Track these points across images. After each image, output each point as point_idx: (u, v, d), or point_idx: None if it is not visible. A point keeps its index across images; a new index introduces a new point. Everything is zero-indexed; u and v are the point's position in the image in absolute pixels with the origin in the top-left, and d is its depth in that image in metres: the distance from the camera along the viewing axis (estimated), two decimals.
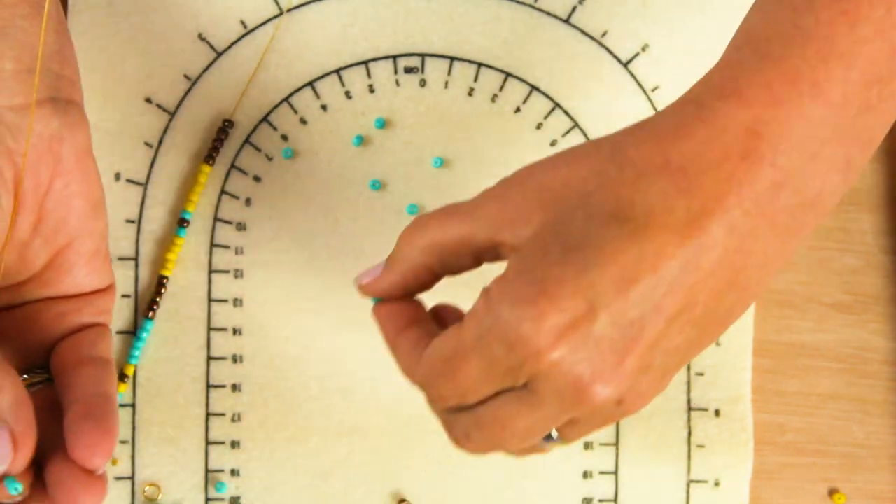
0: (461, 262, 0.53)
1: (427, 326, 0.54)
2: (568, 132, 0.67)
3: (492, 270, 0.52)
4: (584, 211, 0.48)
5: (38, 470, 0.51)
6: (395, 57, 0.66)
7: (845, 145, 0.49)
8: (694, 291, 0.48)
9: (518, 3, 0.66)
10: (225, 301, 0.66)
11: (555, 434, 0.52)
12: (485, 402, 0.51)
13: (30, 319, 0.55)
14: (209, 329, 0.66)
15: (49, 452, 0.51)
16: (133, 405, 0.66)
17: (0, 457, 0.48)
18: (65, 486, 0.50)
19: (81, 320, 0.56)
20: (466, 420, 0.52)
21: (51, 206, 0.54)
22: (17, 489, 0.49)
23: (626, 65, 0.67)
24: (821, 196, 0.49)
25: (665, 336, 0.48)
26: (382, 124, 0.66)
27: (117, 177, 0.65)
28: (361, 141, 0.66)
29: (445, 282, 0.54)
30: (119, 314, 0.66)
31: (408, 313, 0.54)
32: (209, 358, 0.66)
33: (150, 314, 0.65)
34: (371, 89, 0.67)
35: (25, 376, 0.54)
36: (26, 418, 0.49)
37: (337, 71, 0.66)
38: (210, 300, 0.66)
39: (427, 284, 0.54)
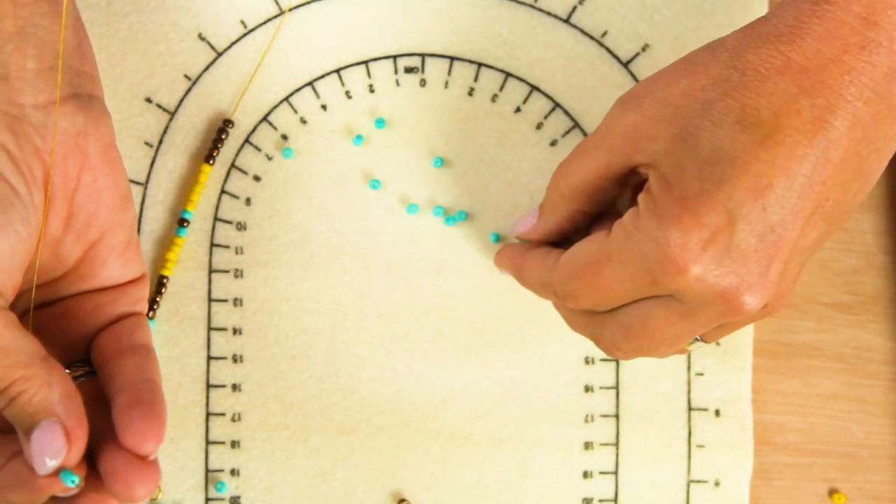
0: (608, 194, 0.56)
1: (553, 248, 0.59)
2: (568, 132, 0.67)
3: None
4: (709, 120, 0.50)
5: (90, 461, 0.51)
6: (395, 57, 0.66)
7: None
8: (826, 188, 0.49)
9: (518, 3, 0.66)
10: (225, 301, 0.66)
11: (697, 343, 0.56)
12: (625, 308, 0.55)
13: (67, 314, 0.55)
14: (209, 329, 0.66)
15: (99, 443, 0.51)
16: None
17: (55, 451, 0.49)
18: (119, 475, 0.50)
19: (118, 311, 0.56)
20: (614, 330, 0.55)
21: (81, 201, 0.54)
22: (74, 481, 0.49)
23: (626, 65, 0.67)
24: None
25: (803, 236, 0.50)
26: (382, 124, 0.66)
27: None
28: (361, 141, 0.66)
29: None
30: None
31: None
32: (209, 358, 0.66)
33: (150, 314, 0.65)
34: (371, 89, 0.66)
35: (68, 371, 0.54)
36: (77, 411, 0.50)
37: (337, 71, 0.66)
38: (210, 300, 0.66)
39: (584, 225, 0.58)
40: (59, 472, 0.49)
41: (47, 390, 0.49)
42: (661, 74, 0.53)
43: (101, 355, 0.54)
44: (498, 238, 0.66)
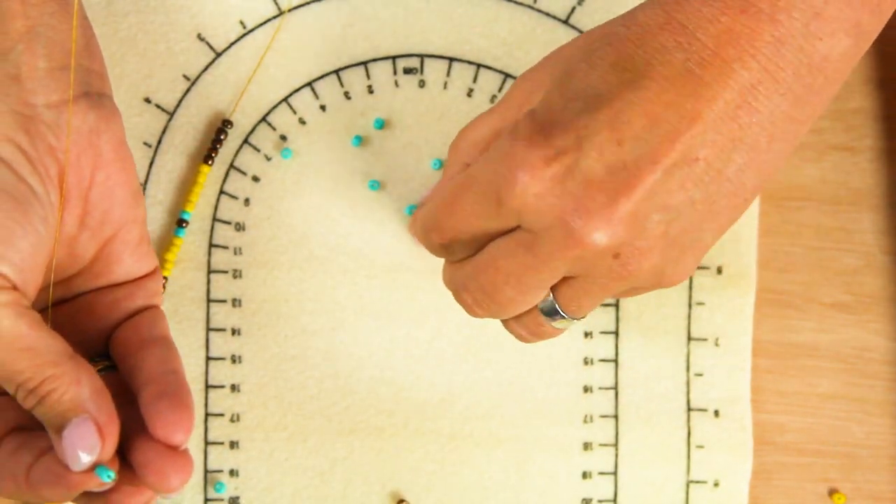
0: None
1: None
2: None
3: None
4: (586, 63, 0.50)
5: (120, 455, 0.52)
6: (394, 57, 0.66)
7: (853, 7, 0.49)
8: (693, 144, 0.48)
9: (517, 3, 0.66)
10: (224, 301, 0.66)
11: (559, 308, 0.54)
12: (481, 250, 0.53)
13: (85, 311, 0.55)
14: (208, 329, 0.66)
15: (128, 437, 0.52)
16: None
17: (89, 447, 0.49)
18: (153, 466, 0.51)
19: (135, 305, 0.56)
20: (465, 269, 0.54)
21: (95, 198, 0.54)
22: (111, 476, 0.50)
23: None
24: (828, 60, 0.49)
25: (664, 187, 0.49)
26: (381, 125, 0.66)
27: None
28: (360, 141, 0.66)
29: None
30: None
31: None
32: (208, 358, 0.66)
33: None
34: (370, 90, 0.66)
35: None
36: (108, 407, 0.50)
37: (336, 71, 0.66)
38: (209, 300, 0.66)
39: None
40: (93, 468, 0.50)
41: (77, 387, 0.50)
42: (568, 43, 0.54)
43: (122, 349, 0.55)
44: None
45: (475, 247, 0.53)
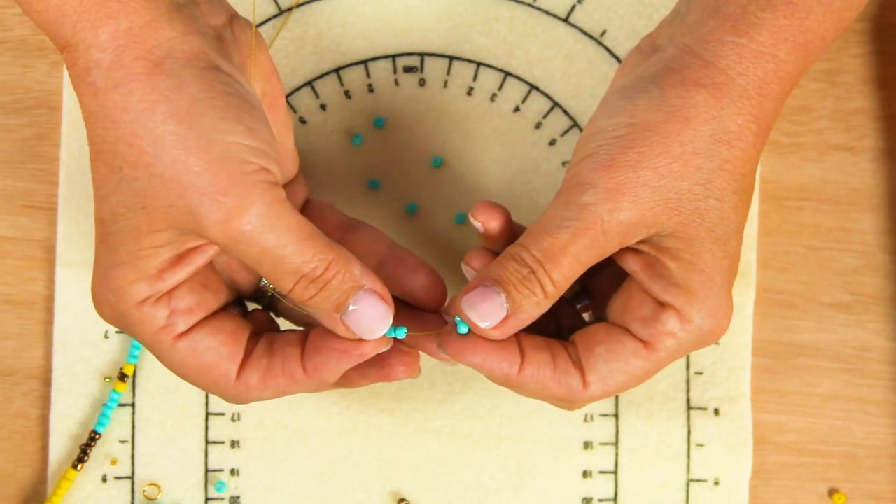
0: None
1: (536, 341, 0.56)
2: (567, 131, 0.67)
3: None
4: (714, 199, 0.52)
5: None
6: (394, 56, 0.67)
7: (804, 35, 0.53)
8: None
9: (517, 2, 0.67)
10: None
11: None
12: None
13: None
14: None
15: None
16: (133, 405, 0.66)
17: (383, 313, 0.53)
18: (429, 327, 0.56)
19: (299, 201, 0.60)
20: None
21: (266, 108, 0.55)
22: (404, 330, 0.54)
23: None
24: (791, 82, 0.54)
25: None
26: (382, 124, 0.66)
27: None
28: (361, 140, 0.66)
29: None
30: None
31: (512, 347, 0.56)
32: None
33: None
34: (370, 89, 0.67)
35: None
36: (376, 278, 0.53)
37: (336, 70, 0.66)
38: None
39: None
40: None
41: (351, 264, 0.52)
42: (644, 162, 0.52)
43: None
44: None
45: None
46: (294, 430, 0.66)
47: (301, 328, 0.56)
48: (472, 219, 0.56)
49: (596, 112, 0.54)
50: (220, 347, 0.54)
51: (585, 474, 0.67)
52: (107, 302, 0.53)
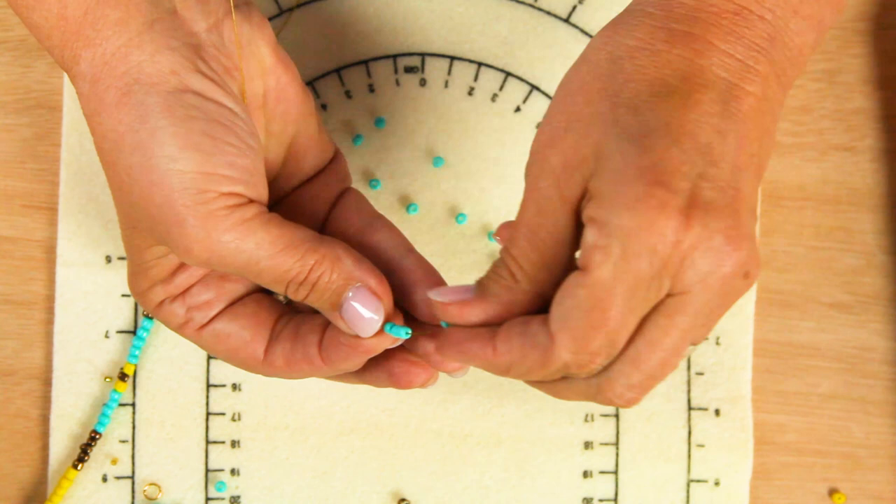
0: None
1: (515, 320, 0.52)
2: None
3: None
4: (624, 108, 0.49)
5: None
6: (395, 56, 0.67)
7: (819, 5, 0.52)
8: (750, 144, 0.49)
9: (518, 2, 0.67)
10: None
11: (689, 348, 0.51)
12: (632, 341, 0.50)
13: (291, 214, 0.56)
14: None
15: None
16: (133, 405, 0.66)
17: (374, 309, 0.53)
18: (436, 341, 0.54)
19: (332, 193, 0.58)
20: (623, 370, 0.51)
21: (271, 104, 0.56)
22: (408, 331, 0.54)
23: None
24: (802, 52, 0.52)
25: (752, 192, 0.49)
26: (382, 124, 0.66)
27: None
28: (362, 140, 0.66)
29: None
30: (119, 314, 0.66)
31: (482, 332, 0.53)
32: (209, 357, 0.66)
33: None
34: (371, 89, 0.67)
35: None
36: (372, 270, 0.54)
37: (337, 70, 0.66)
38: None
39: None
40: (382, 328, 0.53)
41: (340, 263, 0.53)
42: (553, 115, 0.51)
43: (342, 240, 0.56)
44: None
45: (620, 346, 0.50)
46: (294, 430, 0.66)
47: None
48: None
49: None
50: (242, 331, 0.56)
51: (586, 474, 0.67)
52: (141, 302, 0.57)
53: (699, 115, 0.49)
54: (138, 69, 0.51)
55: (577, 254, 0.50)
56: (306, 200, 0.58)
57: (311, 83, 0.66)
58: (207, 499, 0.66)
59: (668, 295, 0.49)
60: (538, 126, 0.66)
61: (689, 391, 0.67)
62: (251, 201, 0.52)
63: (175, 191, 0.51)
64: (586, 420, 0.67)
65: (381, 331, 0.53)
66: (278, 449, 0.66)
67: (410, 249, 0.57)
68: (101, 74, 0.52)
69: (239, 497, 0.66)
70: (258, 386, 0.66)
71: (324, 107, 0.66)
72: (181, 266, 0.55)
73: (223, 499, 0.66)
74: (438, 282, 0.55)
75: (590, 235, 0.48)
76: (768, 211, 0.68)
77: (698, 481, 0.67)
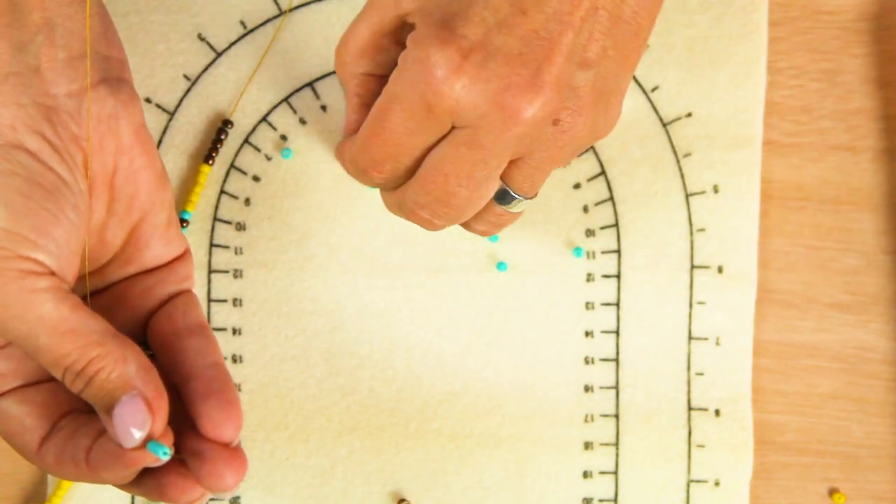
0: (390, 54, 0.56)
1: None
2: None
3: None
4: None
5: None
6: None
7: None
8: (583, 5, 0.50)
9: None
10: (224, 301, 0.66)
11: (513, 192, 0.56)
12: (422, 164, 0.54)
13: (118, 300, 0.55)
14: None
15: (179, 431, 0.52)
16: None
17: (140, 423, 0.49)
18: (206, 462, 0.51)
19: (167, 291, 0.56)
20: (413, 188, 0.55)
21: (120, 184, 0.54)
22: (166, 452, 0.50)
23: None
24: None
25: (579, 44, 0.51)
26: None
27: None
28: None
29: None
30: None
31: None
32: None
33: None
34: None
35: None
36: (155, 382, 0.50)
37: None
38: (210, 300, 0.66)
39: (378, 90, 0.56)
40: (146, 443, 0.50)
41: (123, 365, 0.50)
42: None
43: (159, 339, 0.55)
44: (497, 238, 0.66)
45: (414, 166, 0.55)
46: (294, 430, 0.66)
47: None
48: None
49: None
50: (25, 418, 0.52)
51: (586, 475, 0.67)
52: None
53: None
54: None
55: None
56: (138, 291, 0.56)
57: (310, 84, 0.66)
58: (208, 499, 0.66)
59: (454, 127, 0.53)
60: None
61: (689, 391, 0.67)
62: (52, 273, 0.50)
63: None
64: (586, 420, 0.67)
65: (143, 447, 0.50)
66: (278, 449, 0.66)
67: (218, 363, 0.54)
68: None
69: (239, 497, 0.66)
70: (258, 386, 0.66)
71: (323, 108, 0.66)
72: None
73: (223, 499, 0.66)
74: (229, 401, 0.52)
75: (400, 56, 0.53)
76: (768, 211, 0.68)
77: (698, 481, 0.67)
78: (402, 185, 0.56)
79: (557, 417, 0.67)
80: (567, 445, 0.67)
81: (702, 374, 0.67)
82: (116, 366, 0.50)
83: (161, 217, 0.56)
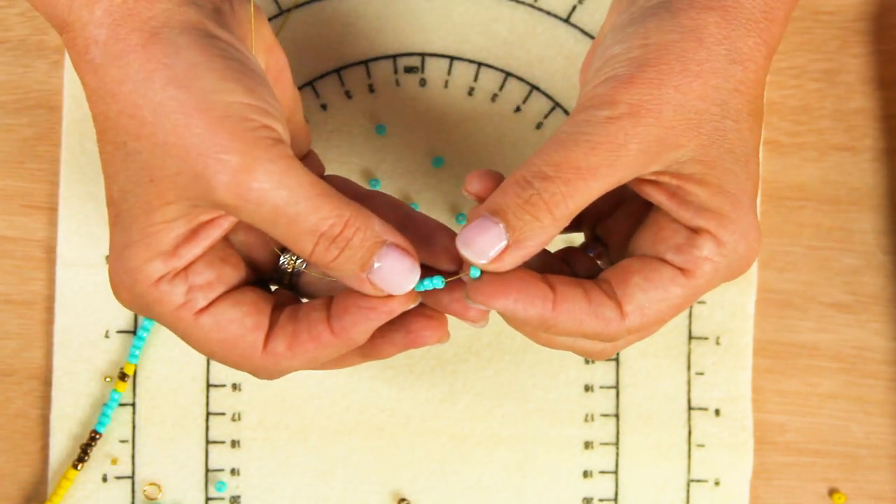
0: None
1: (565, 279, 0.53)
2: None
3: None
4: (731, 120, 0.51)
5: None
6: (395, 56, 0.67)
7: None
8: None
9: (518, 2, 0.67)
10: None
11: None
12: None
13: None
14: None
15: None
16: (133, 405, 0.66)
17: (408, 268, 0.51)
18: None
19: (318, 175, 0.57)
20: (633, 340, 0.55)
21: (271, 82, 0.54)
22: (442, 280, 0.52)
23: None
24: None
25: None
26: (382, 123, 0.66)
27: None
28: (361, 140, 0.66)
29: None
30: (119, 314, 0.66)
31: (541, 284, 0.53)
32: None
33: None
34: (371, 89, 0.67)
35: None
36: (397, 232, 0.51)
37: (337, 70, 0.66)
38: None
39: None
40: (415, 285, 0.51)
41: (373, 221, 0.51)
42: (665, 79, 0.50)
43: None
44: None
45: None
46: (294, 430, 0.66)
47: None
48: (466, 192, 0.54)
49: (601, 44, 0.53)
50: (244, 318, 0.52)
51: (586, 474, 0.67)
52: (123, 285, 0.52)
53: (757, 141, 0.53)
54: (166, 15, 0.50)
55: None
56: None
57: (311, 83, 0.66)
58: (207, 499, 0.66)
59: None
60: (538, 125, 0.66)
61: (689, 391, 0.67)
62: (285, 142, 0.50)
63: (218, 118, 0.49)
64: (586, 420, 0.67)
65: (411, 291, 0.51)
66: (278, 449, 0.66)
67: (411, 211, 0.55)
68: (124, 19, 0.50)
69: (239, 497, 0.66)
70: (258, 386, 0.66)
71: (323, 107, 0.66)
72: (189, 236, 0.51)
73: (223, 499, 0.66)
74: (450, 233, 0.54)
75: (707, 248, 0.52)
76: (768, 211, 0.68)
77: (698, 481, 0.67)
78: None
79: (558, 417, 0.67)
80: (567, 445, 0.67)
81: (702, 373, 0.67)
82: (368, 222, 0.50)
83: (300, 115, 0.57)
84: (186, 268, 0.52)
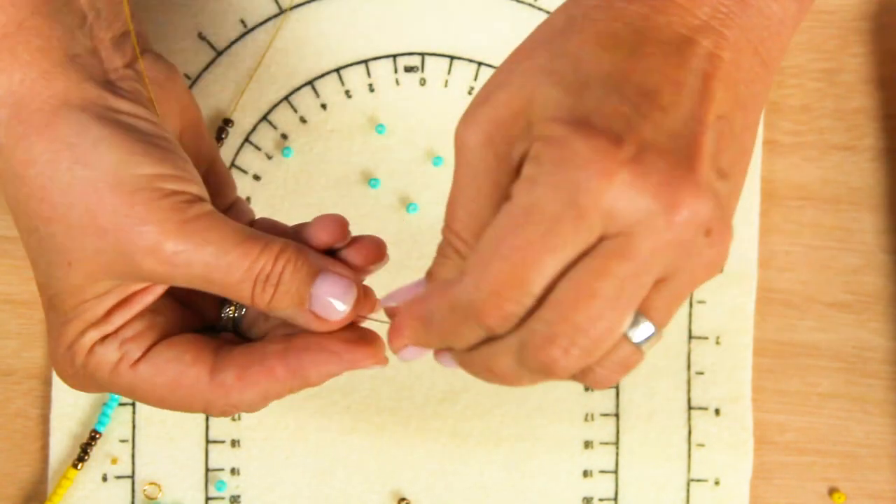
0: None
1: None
2: None
3: None
4: (566, 59, 0.46)
5: None
6: (394, 56, 0.67)
7: None
8: (716, 101, 0.46)
9: (518, 1, 0.67)
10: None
11: (646, 319, 0.47)
12: (555, 287, 0.45)
13: None
14: None
15: None
16: (133, 404, 0.66)
17: (343, 291, 0.51)
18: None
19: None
20: (544, 320, 0.46)
21: (187, 141, 0.55)
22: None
23: None
24: (783, 22, 0.49)
25: (714, 146, 0.46)
26: (382, 123, 0.66)
27: None
28: (361, 140, 0.66)
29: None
30: None
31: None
32: None
33: None
34: (371, 88, 0.67)
35: None
36: (327, 258, 0.52)
37: (337, 70, 0.66)
38: None
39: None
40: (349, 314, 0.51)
41: (304, 252, 0.51)
42: (492, 75, 0.49)
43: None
44: None
45: (543, 295, 0.46)
46: (294, 430, 0.66)
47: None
48: (383, 308, 0.52)
49: None
50: (182, 355, 0.52)
51: (586, 474, 0.67)
52: (66, 363, 0.52)
53: (648, 64, 0.46)
54: (66, 93, 0.50)
55: None
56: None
57: (311, 83, 0.66)
58: (207, 498, 0.66)
59: (603, 237, 0.45)
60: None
61: (689, 391, 0.67)
62: (203, 200, 0.51)
63: (129, 193, 0.49)
64: (586, 420, 0.67)
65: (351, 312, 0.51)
66: (278, 448, 0.66)
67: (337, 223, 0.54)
68: (25, 99, 0.50)
69: (239, 497, 0.66)
70: None
71: (323, 106, 0.66)
72: (119, 304, 0.51)
73: (223, 498, 0.66)
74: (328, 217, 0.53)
75: (522, 173, 0.46)
76: (768, 211, 0.68)
77: (698, 481, 0.67)
78: (523, 325, 0.46)
79: (558, 416, 0.67)
80: (567, 444, 0.67)
81: (702, 373, 0.67)
82: (300, 253, 0.51)
83: (221, 165, 0.57)
84: (118, 329, 0.52)
